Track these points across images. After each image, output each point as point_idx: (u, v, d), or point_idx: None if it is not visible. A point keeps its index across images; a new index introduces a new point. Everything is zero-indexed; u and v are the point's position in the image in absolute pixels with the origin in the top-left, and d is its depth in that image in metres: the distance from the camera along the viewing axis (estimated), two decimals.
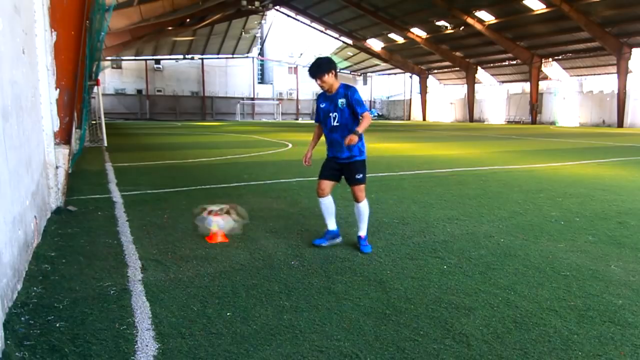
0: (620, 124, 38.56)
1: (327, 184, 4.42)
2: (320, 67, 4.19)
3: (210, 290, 3.39)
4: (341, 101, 4.23)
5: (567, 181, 8.56)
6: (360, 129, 4.08)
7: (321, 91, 4.37)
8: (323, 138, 4.57)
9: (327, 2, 46.52)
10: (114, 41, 27.30)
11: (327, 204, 4.46)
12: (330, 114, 4.29)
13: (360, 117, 4.19)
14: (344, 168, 4.37)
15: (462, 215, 5.80)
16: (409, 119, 62.39)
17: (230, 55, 59.01)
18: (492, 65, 50.55)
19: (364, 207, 4.39)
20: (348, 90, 4.24)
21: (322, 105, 4.38)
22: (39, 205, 4.65)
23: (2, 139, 3.06)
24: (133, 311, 3.04)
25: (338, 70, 4.01)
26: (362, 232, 4.43)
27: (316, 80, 4.23)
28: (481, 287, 3.48)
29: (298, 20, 54.23)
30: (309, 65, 4.29)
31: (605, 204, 6.48)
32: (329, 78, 4.19)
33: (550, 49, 42.43)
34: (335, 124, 4.28)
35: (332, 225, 4.52)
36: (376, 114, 66.92)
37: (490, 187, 7.84)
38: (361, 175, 4.32)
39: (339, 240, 4.55)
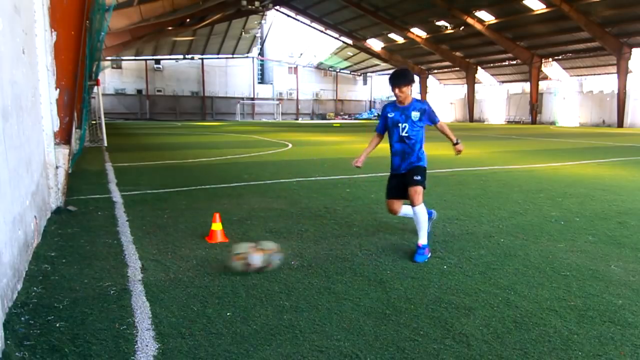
0: (620, 124, 38.59)
1: (396, 203, 4.51)
2: (406, 77, 4.29)
3: (210, 290, 3.39)
4: (415, 114, 4.30)
5: (567, 181, 8.56)
6: (454, 137, 4.61)
7: (389, 101, 4.39)
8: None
9: (327, 2, 46.53)
10: (114, 41, 27.30)
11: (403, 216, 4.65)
12: (400, 125, 4.34)
13: (439, 126, 4.48)
14: (406, 176, 4.34)
15: (462, 215, 5.80)
16: None
17: (230, 55, 59.02)
18: (492, 65, 50.56)
19: (419, 211, 4.19)
20: (424, 105, 4.37)
21: (390, 115, 4.41)
22: (39, 205, 4.65)
23: (2, 139, 3.06)
24: (133, 311, 3.03)
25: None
26: (421, 240, 4.17)
27: (394, 89, 4.29)
28: (481, 287, 3.48)
29: (298, 20, 54.25)
30: (393, 73, 4.36)
31: (605, 204, 6.48)
32: (407, 89, 4.28)
33: (550, 49, 42.44)
34: (404, 134, 4.34)
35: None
36: (376, 114, 66.94)
37: (490, 187, 7.84)
38: (419, 177, 4.26)
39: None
